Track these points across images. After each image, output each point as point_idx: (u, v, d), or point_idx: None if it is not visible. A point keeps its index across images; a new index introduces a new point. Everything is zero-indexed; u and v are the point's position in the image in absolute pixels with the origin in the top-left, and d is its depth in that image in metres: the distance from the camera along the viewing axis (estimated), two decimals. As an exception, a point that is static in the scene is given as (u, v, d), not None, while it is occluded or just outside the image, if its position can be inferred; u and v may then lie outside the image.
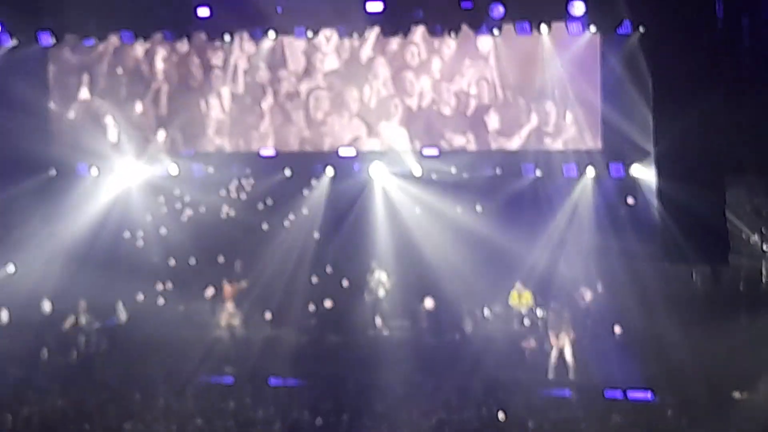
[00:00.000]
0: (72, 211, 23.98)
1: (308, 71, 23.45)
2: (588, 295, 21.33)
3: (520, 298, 21.67)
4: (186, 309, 23.49)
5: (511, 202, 22.86)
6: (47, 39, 22.52)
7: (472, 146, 22.83)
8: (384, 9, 20.94)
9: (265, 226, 24.71)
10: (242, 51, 23.68)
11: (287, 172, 24.06)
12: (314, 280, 23.52)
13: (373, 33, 22.45)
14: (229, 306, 21.95)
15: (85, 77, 24.35)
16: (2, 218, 24.14)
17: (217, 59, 23.84)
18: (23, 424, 16.63)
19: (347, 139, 23.36)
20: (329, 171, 23.73)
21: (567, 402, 17.98)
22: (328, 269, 23.92)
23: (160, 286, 24.20)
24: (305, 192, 24.38)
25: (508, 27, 21.34)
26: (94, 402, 17.86)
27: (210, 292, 23.01)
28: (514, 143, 22.54)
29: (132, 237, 25.00)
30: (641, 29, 20.35)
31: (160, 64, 24.08)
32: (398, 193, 23.59)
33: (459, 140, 22.85)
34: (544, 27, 21.21)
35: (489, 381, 18.50)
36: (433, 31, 21.92)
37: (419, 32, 22.34)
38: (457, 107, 22.81)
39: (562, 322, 19.73)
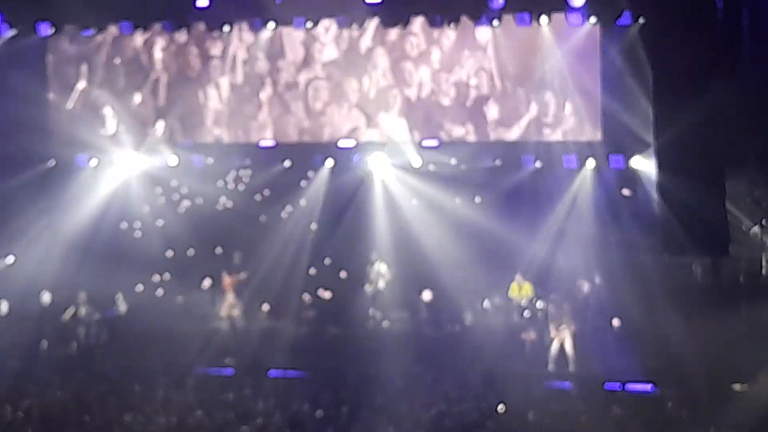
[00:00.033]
0: (72, 202, 23.91)
1: (307, 61, 23.34)
2: (587, 287, 21.33)
3: (520, 290, 21.59)
4: (185, 300, 23.48)
5: (511, 193, 22.80)
6: (46, 29, 22.48)
7: (471, 137, 22.75)
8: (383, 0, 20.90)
9: (263, 218, 24.63)
10: (241, 41, 23.57)
11: (287, 163, 23.98)
12: (312, 271, 23.48)
13: (372, 23, 22.37)
14: (230, 297, 21.97)
15: (84, 67, 24.21)
16: (1, 209, 24.05)
17: (215, 49, 23.70)
18: (23, 416, 16.60)
19: (346, 130, 23.29)
20: (329, 163, 23.65)
21: (567, 394, 18.01)
22: (327, 261, 23.87)
23: (158, 277, 24.15)
24: (304, 183, 24.29)
25: (507, 18, 21.29)
26: (94, 393, 17.88)
27: (207, 283, 23.01)
28: (514, 133, 22.46)
29: (130, 228, 24.92)
30: (641, 20, 20.25)
31: (158, 54, 23.96)
32: (397, 185, 23.49)
33: (458, 131, 22.77)
34: (544, 18, 21.16)
35: (489, 373, 18.50)
36: (433, 22, 21.86)
37: (418, 23, 22.27)
38: (457, 98, 22.73)
39: (563, 314, 19.75)
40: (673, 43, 18.57)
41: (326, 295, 22.64)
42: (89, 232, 23.80)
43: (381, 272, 22.88)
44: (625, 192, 22.56)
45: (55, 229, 23.89)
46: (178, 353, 20.37)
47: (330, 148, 23.51)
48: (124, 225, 24.81)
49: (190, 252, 24.68)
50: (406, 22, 21.85)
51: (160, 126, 24.04)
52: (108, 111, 24.22)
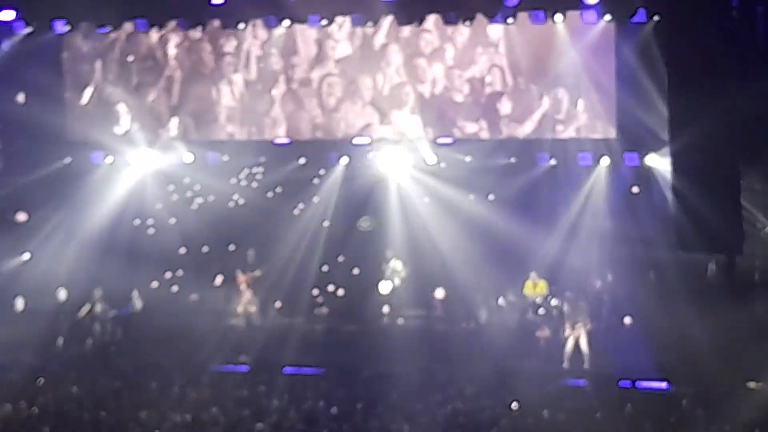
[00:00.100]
0: (87, 199, 23.95)
1: (320, 58, 23.31)
2: (601, 285, 21.31)
3: (535, 288, 21.53)
4: (200, 297, 23.52)
5: (526, 191, 22.76)
6: (61, 26, 22.56)
7: (484, 134, 22.71)
8: (399, -3, 20.94)
9: (277, 214, 24.62)
10: (255, 38, 23.56)
11: (301, 161, 23.97)
12: (325, 268, 23.50)
13: (387, 21, 22.35)
14: (247, 294, 22.02)
15: (98, 64, 24.25)
16: (17, 206, 24.15)
17: (229, 46, 23.69)
18: (38, 412, 16.65)
19: (359, 127, 23.28)
20: (343, 160, 23.64)
21: (582, 392, 18.01)
22: (340, 258, 23.88)
23: (171, 275, 24.21)
24: (317, 180, 24.29)
25: (522, 15, 21.28)
26: (109, 390, 17.96)
27: (219, 280, 23.06)
28: (526, 128, 22.43)
29: (144, 225, 24.96)
30: (656, 18, 20.27)
31: (172, 51, 23.97)
32: (411, 182, 23.47)
33: (471, 127, 22.76)
34: (558, 15, 21.15)
35: (503, 370, 18.55)
36: (448, 20, 21.86)
37: (433, 20, 22.24)
38: (470, 94, 22.72)
39: (579, 312, 19.73)
40: (687, 41, 18.45)
41: (339, 292, 22.64)
42: (105, 229, 23.82)
43: (396, 269, 22.92)
44: (634, 189, 22.55)
45: (70, 226, 23.88)
46: (193, 350, 20.43)
47: (344, 146, 23.51)
48: (140, 222, 24.84)
49: (204, 249, 24.70)
50: (421, 20, 21.85)
51: (173, 123, 24.06)
52: (122, 108, 24.23)
